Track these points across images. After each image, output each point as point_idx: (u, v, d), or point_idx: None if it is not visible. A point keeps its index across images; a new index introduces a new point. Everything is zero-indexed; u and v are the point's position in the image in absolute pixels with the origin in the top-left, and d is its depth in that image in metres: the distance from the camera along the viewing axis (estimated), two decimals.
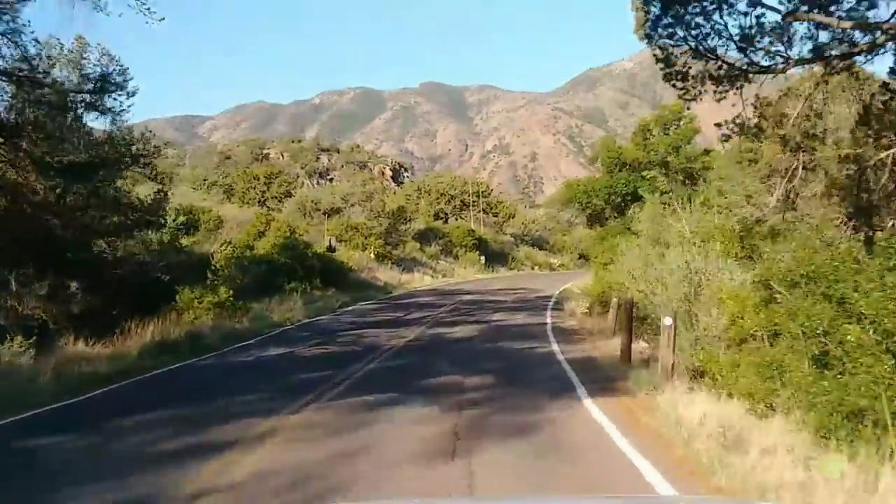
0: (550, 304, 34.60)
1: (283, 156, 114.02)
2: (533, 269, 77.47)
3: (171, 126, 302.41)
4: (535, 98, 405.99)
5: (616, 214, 46.97)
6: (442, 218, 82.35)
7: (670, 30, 13.79)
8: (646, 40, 14.44)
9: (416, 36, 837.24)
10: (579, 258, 78.28)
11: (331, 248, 45.27)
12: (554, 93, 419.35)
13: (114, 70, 19.98)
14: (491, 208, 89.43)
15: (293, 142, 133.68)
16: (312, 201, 60.88)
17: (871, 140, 14.63)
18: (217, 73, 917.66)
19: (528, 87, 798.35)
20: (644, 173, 41.65)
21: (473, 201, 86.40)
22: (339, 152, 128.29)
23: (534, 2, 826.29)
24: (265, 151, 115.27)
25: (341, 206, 59.94)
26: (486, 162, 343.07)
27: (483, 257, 69.25)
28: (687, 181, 39.15)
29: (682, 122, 47.62)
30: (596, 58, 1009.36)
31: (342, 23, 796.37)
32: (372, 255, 49.69)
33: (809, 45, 13.40)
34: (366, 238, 51.26)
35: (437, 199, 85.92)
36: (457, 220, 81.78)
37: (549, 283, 48.72)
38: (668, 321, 12.97)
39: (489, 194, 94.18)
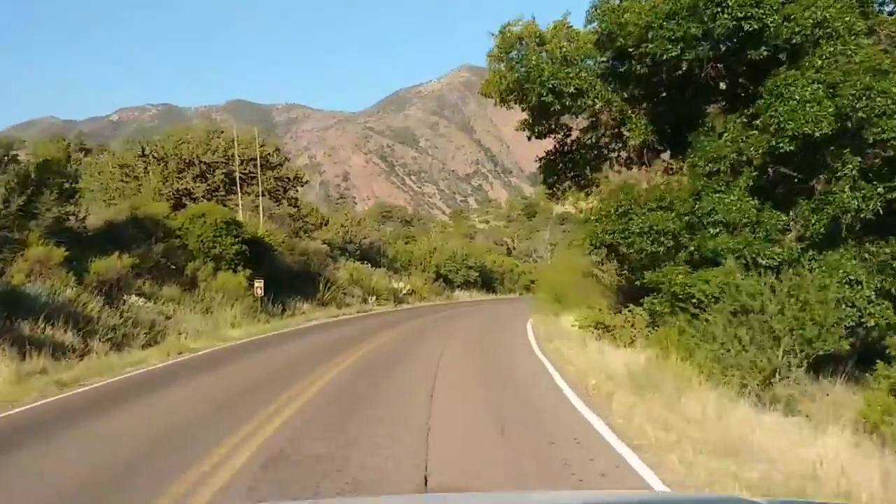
0: None
1: None
2: (368, 301, 48.54)
3: None
4: (346, 118, 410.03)
5: None
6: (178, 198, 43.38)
7: None
8: None
9: (221, 53, 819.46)
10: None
11: None
12: (364, 112, 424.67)
13: None
14: (282, 188, 51.02)
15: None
16: None
17: None
18: (5, 85, 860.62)
19: (338, 106, 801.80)
20: None
21: (247, 174, 47.71)
22: None
23: (340, 24, 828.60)
24: None
25: None
26: (296, 182, 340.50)
27: (260, 284, 34.65)
28: None
29: None
30: (405, 79, 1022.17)
31: (142, 36, 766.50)
32: None
33: None
34: None
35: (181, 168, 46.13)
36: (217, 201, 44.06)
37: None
38: None
39: (281, 165, 52.32)
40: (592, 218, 21.83)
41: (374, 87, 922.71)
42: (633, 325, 20.15)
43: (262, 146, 48.52)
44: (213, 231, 34.35)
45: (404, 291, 54.97)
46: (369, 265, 54.84)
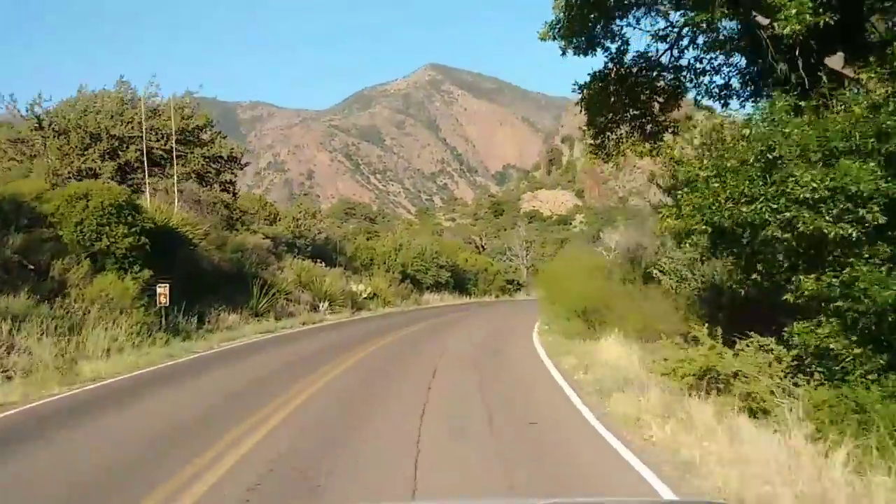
0: None
1: None
2: (319, 308, 38.56)
3: None
4: (311, 116, 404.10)
5: None
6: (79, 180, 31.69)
7: None
8: None
9: (184, 49, 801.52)
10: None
11: None
12: (330, 111, 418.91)
13: None
14: (215, 170, 40.14)
15: None
16: None
17: None
18: None
19: (303, 104, 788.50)
20: None
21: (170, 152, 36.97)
22: None
23: (306, 21, 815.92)
24: None
25: None
26: (260, 179, 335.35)
27: (165, 290, 24.50)
28: None
29: None
30: (371, 77, 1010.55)
31: (103, 32, 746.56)
32: None
33: None
34: None
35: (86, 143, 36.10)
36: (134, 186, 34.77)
37: None
38: None
39: (213, 141, 40.98)
40: (705, 174, 12.14)
41: (340, 85, 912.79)
42: (771, 375, 10.57)
43: (186, 118, 38.34)
44: (99, 218, 24.23)
45: (364, 295, 45.17)
46: (323, 264, 45.13)
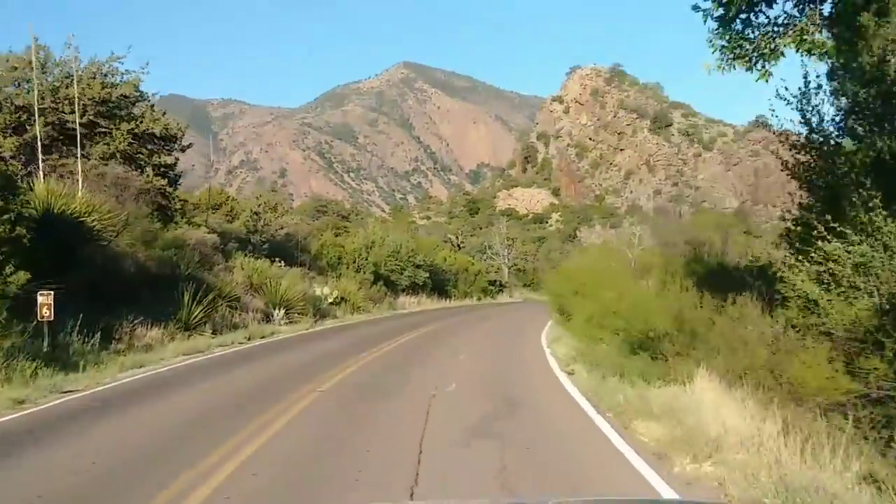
0: None
1: None
2: (273, 318, 30.95)
3: None
4: (284, 113, 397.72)
5: None
6: None
7: None
8: None
9: (153, 45, 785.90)
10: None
11: None
12: (303, 108, 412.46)
13: None
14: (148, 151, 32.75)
15: None
16: None
17: None
18: None
19: (275, 102, 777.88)
20: None
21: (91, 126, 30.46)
22: None
23: (278, 19, 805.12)
24: None
25: None
26: (232, 178, 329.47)
27: (48, 299, 17.37)
28: None
29: None
30: (344, 75, 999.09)
31: (72, 26, 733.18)
32: None
33: None
34: None
35: None
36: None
37: None
38: None
39: (143, 117, 32.81)
40: None
41: (313, 82, 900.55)
42: None
43: (108, 87, 30.86)
44: None
45: (330, 300, 38.11)
46: (282, 263, 38.01)
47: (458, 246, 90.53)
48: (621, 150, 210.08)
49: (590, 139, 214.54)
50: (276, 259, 38.60)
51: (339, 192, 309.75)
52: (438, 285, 55.76)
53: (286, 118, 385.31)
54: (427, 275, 52.01)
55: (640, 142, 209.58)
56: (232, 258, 35.04)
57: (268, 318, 31.16)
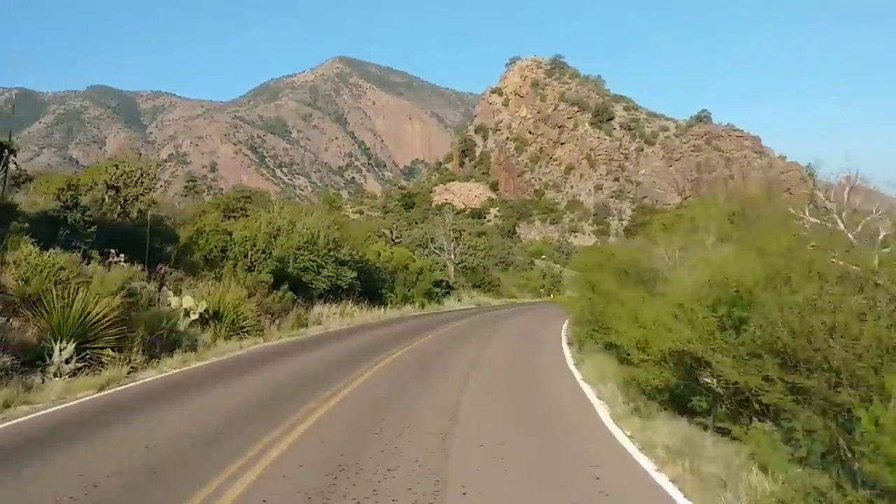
0: None
1: None
2: (51, 360, 14.99)
3: None
4: (215, 107, 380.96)
5: None
6: None
7: None
8: None
9: (81, 38, 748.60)
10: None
11: None
12: (235, 102, 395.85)
13: None
14: None
15: None
16: None
17: None
18: None
19: (206, 95, 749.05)
20: None
21: None
22: None
23: (211, 10, 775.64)
24: None
25: None
26: (160, 171, 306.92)
27: None
28: None
29: None
30: (278, 68, 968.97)
31: None
32: None
33: None
34: None
35: None
36: None
37: None
38: None
39: None
40: None
41: (245, 76, 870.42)
42: None
43: None
44: None
45: (192, 317, 22.76)
46: (123, 258, 22.41)
47: (394, 240, 74.87)
48: (562, 143, 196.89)
49: (529, 132, 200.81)
50: (115, 251, 22.72)
51: (270, 186, 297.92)
52: (370, 288, 40.01)
53: (218, 111, 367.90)
54: (354, 275, 36.23)
55: (581, 135, 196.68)
56: (11, 249, 19.09)
57: (41, 360, 15.37)
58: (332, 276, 35.60)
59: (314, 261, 35.05)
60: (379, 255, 48.46)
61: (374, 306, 40.12)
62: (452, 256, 63.58)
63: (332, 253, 36.02)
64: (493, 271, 75.70)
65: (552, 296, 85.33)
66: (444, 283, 53.89)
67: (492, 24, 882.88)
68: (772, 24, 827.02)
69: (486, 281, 63.94)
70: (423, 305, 47.02)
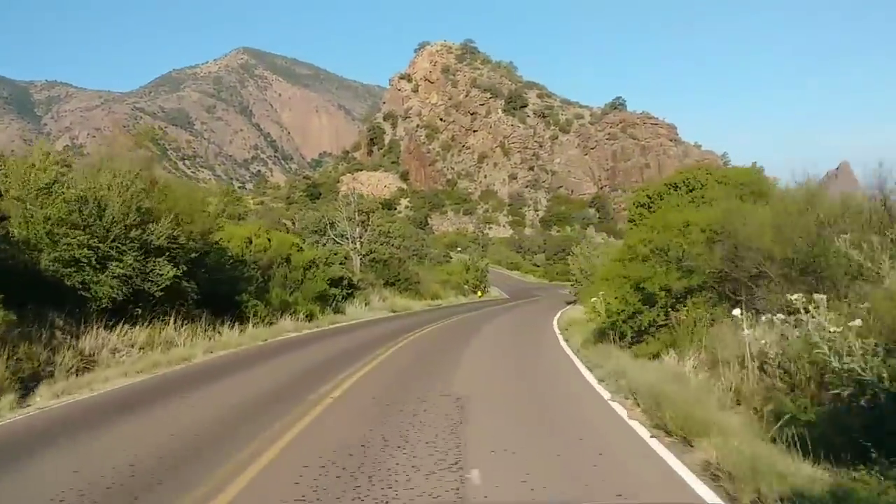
0: None
1: None
2: None
3: None
4: (114, 97, 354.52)
5: None
6: None
7: None
8: None
9: None
10: None
11: None
12: (135, 93, 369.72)
13: None
14: None
15: None
16: None
17: None
18: None
19: (105, 85, 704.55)
20: None
21: None
22: None
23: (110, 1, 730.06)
24: None
25: None
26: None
27: None
28: None
29: None
30: (180, 59, 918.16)
31: None
32: None
33: None
34: None
35: None
36: None
37: None
38: None
39: None
40: None
41: (146, 66, 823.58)
42: None
43: None
44: None
45: None
46: None
47: (289, 229, 57.31)
48: (474, 131, 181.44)
49: (441, 119, 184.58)
50: None
51: (173, 180, 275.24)
52: (220, 294, 22.74)
53: (117, 102, 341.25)
54: (177, 271, 18.75)
55: (495, 123, 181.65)
56: None
57: None
58: (133, 276, 18.39)
59: (96, 247, 17.81)
60: (249, 242, 31.20)
61: (223, 323, 22.91)
62: (358, 246, 46.66)
63: (134, 234, 18.79)
64: (411, 264, 59.17)
65: (479, 293, 69.09)
66: (345, 282, 36.76)
67: (400, 13, 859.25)
68: (685, 9, 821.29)
69: (403, 277, 47.21)
70: (311, 316, 29.85)
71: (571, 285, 47.95)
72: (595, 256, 42.96)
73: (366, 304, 37.36)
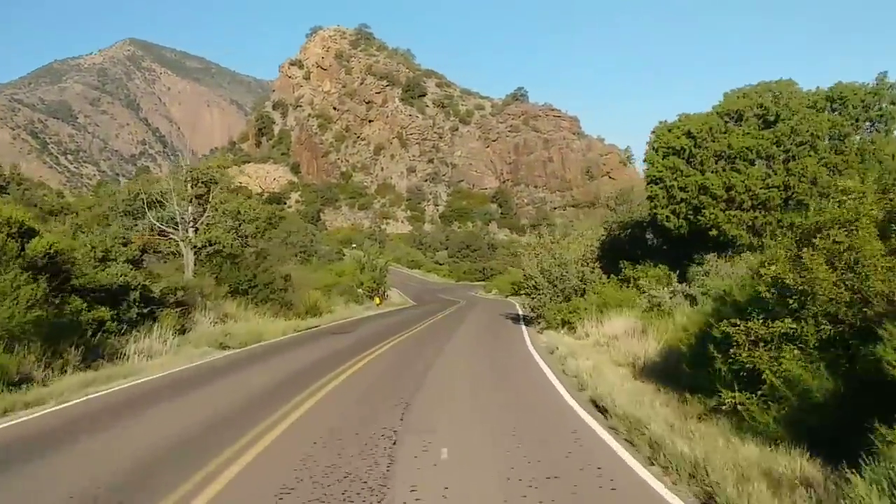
0: None
1: None
2: None
3: None
4: None
5: None
6: None
7: None
8: None
9: None
10: None
11: None
12: (13, 84, 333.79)
13: None
14: None
15: None
16: None
17: None
18: None
19: None
20: None
21: None
22: None
23: None
24: None
25: None
26: None
27: None
28: None
29: None
30: (62, 49, 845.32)
31: None
32: None
33: None
34: None
35: None
36: None
37: None
38: None
39: None
40: None
41: (25, 55, 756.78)
42: None
43: None
44: None
45: None
46: None
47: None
48: (370, 121, 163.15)
49: (334, 108, 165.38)
50: None
51: (54, 175, 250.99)
52: None
53: None
54: None
55: (392, 112, 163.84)
56: None
57: None
58: None
59: None
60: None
61: None
62: (191, 234, 28.47)
63: None
64: (286, 261, 41.16)
65: (378, 300, 51.37)
66: (133, 297, 18.37)
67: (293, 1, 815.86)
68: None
69: (262, 283, 28.91)
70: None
71: (526, 294, 30.25)
72: (568, 251, 26.57)
73: (173, 336, 19.21)
